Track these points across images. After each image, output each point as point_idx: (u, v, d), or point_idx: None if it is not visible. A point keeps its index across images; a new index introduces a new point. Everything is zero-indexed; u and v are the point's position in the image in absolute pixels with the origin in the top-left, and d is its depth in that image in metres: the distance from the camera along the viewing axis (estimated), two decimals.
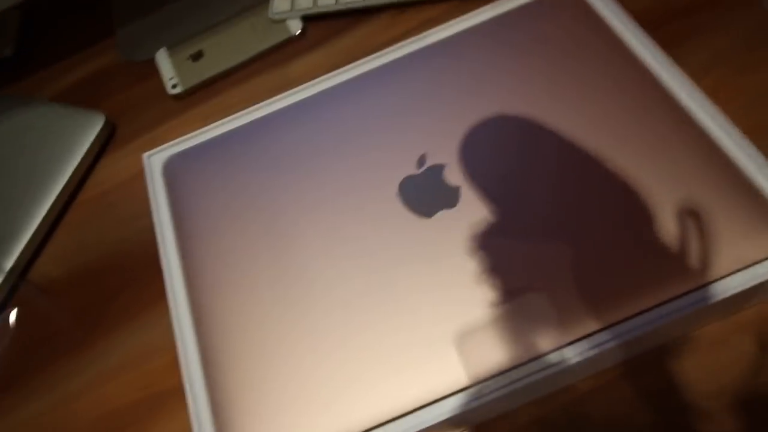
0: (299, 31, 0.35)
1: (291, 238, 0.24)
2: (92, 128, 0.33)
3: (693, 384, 0.21)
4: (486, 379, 0.19)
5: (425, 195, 0.23)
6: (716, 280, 0.19)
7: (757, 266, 0.20)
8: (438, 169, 0.24)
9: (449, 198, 0.23)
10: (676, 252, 0.20)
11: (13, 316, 0.29)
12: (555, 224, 0.21)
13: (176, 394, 0.24)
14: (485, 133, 0.24)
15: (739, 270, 0.19)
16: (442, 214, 0.22)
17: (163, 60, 0.36)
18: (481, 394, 0.19)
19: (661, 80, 0.24)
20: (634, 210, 0.21)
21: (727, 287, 0.19)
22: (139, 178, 0.30)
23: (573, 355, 0.19)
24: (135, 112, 0.34)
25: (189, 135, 0.29)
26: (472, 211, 0.22)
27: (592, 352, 0.19)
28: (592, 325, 0.19)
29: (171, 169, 0.28)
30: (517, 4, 0.28)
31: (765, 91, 0.27)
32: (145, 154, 0.29)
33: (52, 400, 0.27)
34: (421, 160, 0.24)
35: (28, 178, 0.32)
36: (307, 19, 0.36)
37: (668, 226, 0.20)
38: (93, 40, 0.40)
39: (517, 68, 0.26)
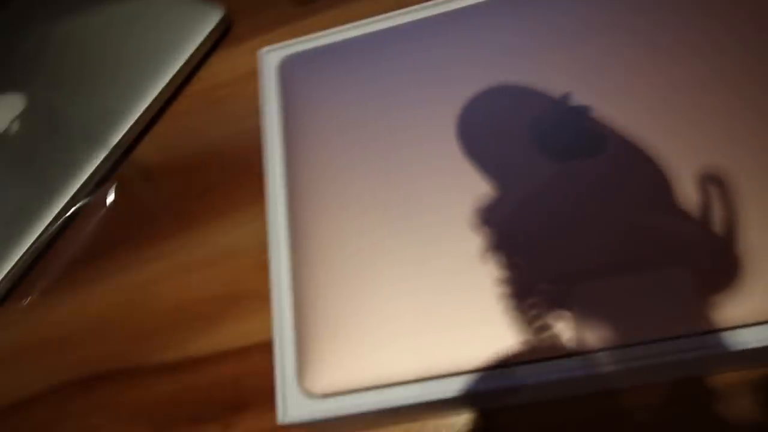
0: None
1: (405, 163, 0.21)
2: (209, 20, 0.31)
3: None
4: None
5: (561, 138, 0.19)
6: None
7: None
8: (583, 109, 0.20)
9: (589, 146, 0.19)
10: None
11: (112, 191, 0.29)
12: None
13: (258, 295, 0.22)
14: (643, 85, 0.20)
15: None
16: (578, 163, 0.19)
17: None
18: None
19: None
20: None
21: None
22: (251, 77, 0.28)
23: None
24: (255, 11, 0.33)
25: (311, 36, 0.27)
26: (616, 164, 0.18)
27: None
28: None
29: (287, 69, 0.26)
30: None
31: None
32: (262, 50, 0.27)
33: (136, 278, 0.26)
34: (566, 98, 0.20)
35: (140, 62, 0.31)
36: None
37: None
38: None
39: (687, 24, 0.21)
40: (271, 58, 0.27)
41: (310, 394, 0.18)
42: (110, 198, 0.28)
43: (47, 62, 0.33)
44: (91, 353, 0.25)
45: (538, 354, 0.16)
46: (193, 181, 0.28)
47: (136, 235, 0.28)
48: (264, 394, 0.22)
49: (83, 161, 0.28)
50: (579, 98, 0.20)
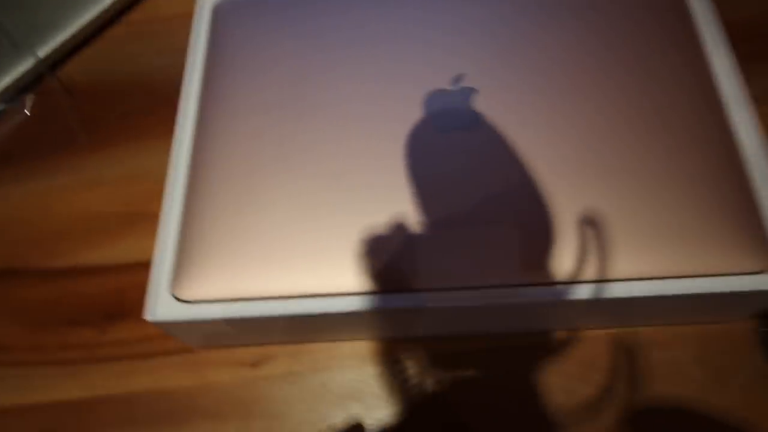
0: None
1: (308, 109, 0.22)
2: None
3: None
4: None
5: (450, 111, 0.22)
6: (688, 277, 0.18)
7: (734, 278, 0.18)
8: (469, 91, 0.22)
9: (468, 121, 0.21)
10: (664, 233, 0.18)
11: (30, 100, 0.29)
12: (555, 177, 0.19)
13: (155, 219, 0.24)
14: (528, 77, 0.22)
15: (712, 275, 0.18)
16: (461, 134, 0.21)
17: None
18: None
19: (718, 85, 0.22)
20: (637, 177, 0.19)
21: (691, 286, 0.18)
22: (190, 17, 0.29)
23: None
24: None
25: None
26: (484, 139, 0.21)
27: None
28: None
29: (220, 12, 0.27)
30: None
31: None
32: None
33: (39, 187, 0.27)
34: (458, 80, 0.22)
35: None
36: None
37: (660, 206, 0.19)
38: None
39: (587, 30, 0.23)
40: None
41: (178, 299, 0.19)
42: (28, 106, 0.29)
43: None
44: None
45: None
46: (114, 105, 0.29)
47: (50, 147, 0.28)
48: (137, 308, 0.24)
49: (6, 67, 0.28)
50: (467, 81, 0.22)
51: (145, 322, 0.22)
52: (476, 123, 0.21)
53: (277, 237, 0.20)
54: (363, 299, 0.19)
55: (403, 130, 0.21)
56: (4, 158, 0.28)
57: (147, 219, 0.25)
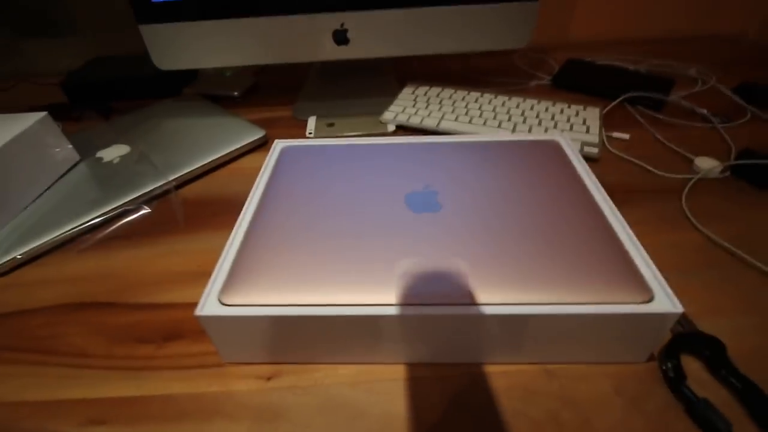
0: (393, 129, 0.52)
1: (332, 215, 0.34)
2: (256, 134, 0.51)
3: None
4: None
5: (421, 202, 0.33)
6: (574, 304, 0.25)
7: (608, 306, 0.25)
8: (433, 192, 0.34)
9: (434, 207, 0.32)
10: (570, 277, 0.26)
11: (155, 204, 0.43)
12: (491, 236, 0.29)
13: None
14: (465, 190, 0.34)
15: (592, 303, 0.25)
16: (427, 215, 0.32)
17: (311, 121, 0.55)
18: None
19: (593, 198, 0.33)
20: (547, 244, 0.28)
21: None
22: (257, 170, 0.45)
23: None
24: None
25: (307, 142, 0.43)
26: (446, 218, 0.31)
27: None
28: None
29: (283, 153, 0.41)
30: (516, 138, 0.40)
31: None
32: (276, 140, 0.43)
33: (142, 253, 0.38)
34: (426, 187, 0.35)
35: (201, 147, 0.49)
36: (399, 127, 0.53)
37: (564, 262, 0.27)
38: (283, 100, 0.62)
39: (500, 170, 0.36)
40: (278, 145, 0.43)
41: (222, 303, 0.27)
42: (152, 206, 0.42)
43: (159, 138, 0.51)
44: (95, 289, 0.35)
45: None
46: (207, 209, 0.42)
47: (159, 230, 0.40)
48: (190, 333, 0.31)
49: (145, 185, 0.43)
50: (433, 187, 0.34)
51: (191, 341, 0.30)
52: (436, 208, 0.32)
53: (292, 272, 0.28)
54: (354, 309, 0.26)
55: (388, 214, 0.32)
56: (127, 235, 0.40)
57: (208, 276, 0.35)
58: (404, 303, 0.26)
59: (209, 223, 0.41)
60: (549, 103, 0.54)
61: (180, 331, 0.32)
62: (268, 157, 0.41)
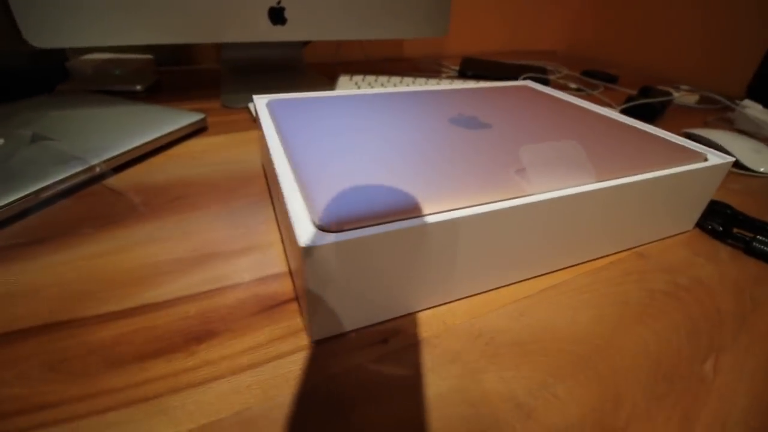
0: None
1: (383, 139, 0.26)
2: (193, 117, 0.39)
3: None
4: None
5: (469, 123, 0.29)
6: None
7: None
8: (473, 118, 0.30)
9: (486, 126, 0.28)
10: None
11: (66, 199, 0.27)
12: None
13: (220, 257, 0.22)
14: (496, 115, 0.32)
15: None
16: (485, 131, 0.27)
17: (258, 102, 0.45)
18: None
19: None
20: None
21: None
22: (211, 150, 0.33)
23: None
24: (226, 126, 0.41)
25: (295, 95, 0.34)
26: (503, 133, 0.27)
27: None
28: None
29: (274, 106, 0.31)
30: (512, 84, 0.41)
31: None
32: (254, 96, 0.33)
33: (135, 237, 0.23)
34: (460, 115, 0.30)
35: (136, 127, 0.35)
36: None
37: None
38: (197, 94, 0.50)
39: (507, 102, 0.35)
40: (261, 101, 0.32)
41: (325, 229, 0.17)
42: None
43: (56, 127, 0.34)
44: (42, 307, 0.19)
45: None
46: (161, 196, 0.29)
47: (99, 223, 0.25)
48: (224, 324, 0.19)
49: (49, 173, 0.27)
50: (468, 114, 0.30)
51: (237, 336, 0.19)
52: (488, 126, 0.28)
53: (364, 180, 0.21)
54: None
55: (444, 136, 0.27)
56: (53, 234, 0.24)
57: (215, 257, 0.23)
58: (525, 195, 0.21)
59: (169, 208, 0.28)
60: (475, 83, 0.57)
61: (211, 327, 0.19)
62: (257, 113, 0.31)
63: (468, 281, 0.22)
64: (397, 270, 0.19)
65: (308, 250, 0.16)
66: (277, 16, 0.46)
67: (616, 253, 0.26)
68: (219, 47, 0.66)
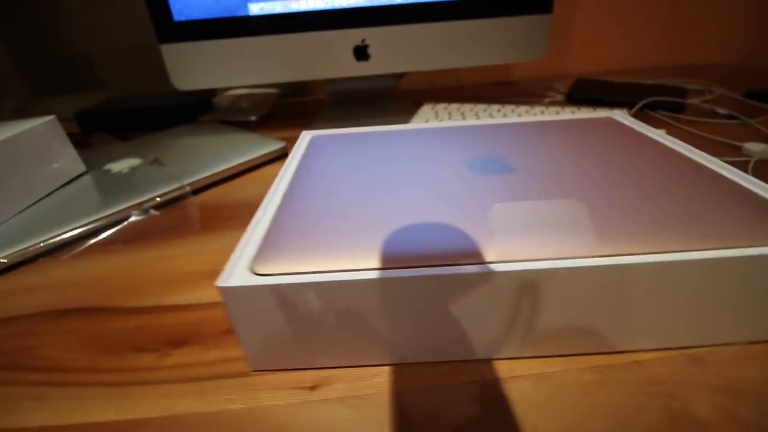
0: None
1: (387, 181, 0.25)
2: (275, 145, 0.45)
3: None
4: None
5: (488, 166, 0.26)
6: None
7: None
8: (500, 158, 0.27)
9: (505, 169, 0.25)
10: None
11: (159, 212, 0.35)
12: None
13: None
14: (536, 157, 0.27)
15: None
16: (498, 176, 0.24)
17: None
18: None
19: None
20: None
21: None
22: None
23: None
24: None
25: (336, 131, 0.37)
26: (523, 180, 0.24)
27: None
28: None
29: (313, 141, 0.34)
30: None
31: None
32: (303, 131, 0.37)
33: (149, 255, 0.30)
34: (490, 154, 0.27)
35: (227, 153, 0.42)
36: None
37: None
38: (301, 122, 0.57)
39: (562, 141, 0.29)
40: (307, 135, 0.36)
41: (255, 272, 0.19)
42: (155, 212, 0.35)
43: (174, 152, 0.45)
44: (84, 295, 0.26)
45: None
46: (222, 213, 0.35)
47: (168, 233, 0.32)
48: (203, 337, 0.22)
49: (153, 189, 0.36)
50: (498, 154, 0.27)
51: (206, 347, 0.21)
52: (507, 171, 0.25)
53: (347, 237, 0.20)
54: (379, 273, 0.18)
55: (451, 180, 0.25)
56: (129, 239, 0.32)
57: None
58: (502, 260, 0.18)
59: (225, 225, 0.33)
60: (570, 112, 0.50)
61: (191, 335, 0.22)
62: (295, 147, 0.34)
63: (412, 345, 0.20)
64: (328, 320, 0.19)
65: (222, 289, 0.18)
66: (361, 53, 0.50)
67: (654, 349, 0.20)
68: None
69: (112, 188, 0.36)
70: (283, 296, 0.18)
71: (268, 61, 0.49)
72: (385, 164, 0.28)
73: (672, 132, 0.46)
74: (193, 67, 0.49)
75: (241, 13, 0.47)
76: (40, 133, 0.35)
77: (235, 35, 0.48)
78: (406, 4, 0.48)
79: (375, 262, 0.18)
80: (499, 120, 0.36)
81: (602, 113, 0.36)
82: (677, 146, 0.28)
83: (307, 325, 0.19)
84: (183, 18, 0.47)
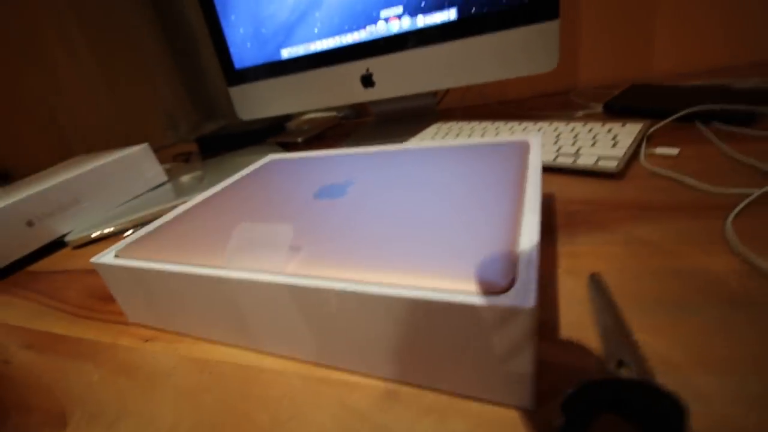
0: None
1: (253, 203, 0.32)
2: None
3: None
4: None
5: (330, 191, 0.29)
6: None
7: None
8: (349, 183, 0.29)
9: (339, 194, 0.27)
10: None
11: None
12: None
13: None
14: (383, 184, 0.28)
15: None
16: (326, 201, 0.27)
17: None
18: None
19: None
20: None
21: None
22: None
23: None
24: None
25: (295, 155, 0.44)
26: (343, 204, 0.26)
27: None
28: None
29: (267, 164, 0.41)
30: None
31: None
32: (270, 155, 0.45)
33: None
34: (347, 180, 0.30)
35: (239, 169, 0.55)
36: None
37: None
38: (340, 142, 0.65)
39: (437, 171, 0.28)
40: (270, 157, 0.44)
41: (116, 256, 0.28)
42: None
43: (222, 168, 0.60)
44: None
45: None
46: None
47: None
48: None
49: (183, 196, 0.50)
50: (353, 180, 0.29)
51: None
52: (338, 195, 0.27)
53: (186, 240, 0.27)
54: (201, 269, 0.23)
55: (294, 202, 0.29)
56: None
57: None
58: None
59: None
60: (580, 125, 0.43)
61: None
62: (250, 167, 0.42)
63: (202, 324, 0.25)
64: (156, 295, 0.26)
65: (93, 264, 0.27)
66: (367, 81, 0.55)
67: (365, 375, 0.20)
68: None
69: (175, 192, 0.52)
70: (125, 273, 0.26)
71: (297, 93, 0.60)
72: (277, 191, 0.34)
73: (698, 151, 0.35)
74: (248, 102, 0.63)
75: (276, 58, 0.59)
76: (136, 155, 0.54)
77: (273, 75, 0.60)
78: (402, 33, 0.51)
79: (185, 260, 0.25)
80: (416, 146, 0.36)
81: (523, 136, 0.32)
82: (526, 191, 0.24)
83: (146, 296, 0.27)
84: (240, 66, 0.61)
